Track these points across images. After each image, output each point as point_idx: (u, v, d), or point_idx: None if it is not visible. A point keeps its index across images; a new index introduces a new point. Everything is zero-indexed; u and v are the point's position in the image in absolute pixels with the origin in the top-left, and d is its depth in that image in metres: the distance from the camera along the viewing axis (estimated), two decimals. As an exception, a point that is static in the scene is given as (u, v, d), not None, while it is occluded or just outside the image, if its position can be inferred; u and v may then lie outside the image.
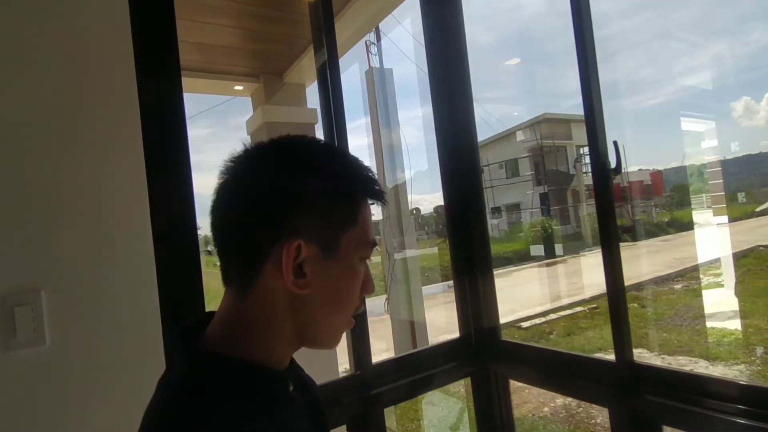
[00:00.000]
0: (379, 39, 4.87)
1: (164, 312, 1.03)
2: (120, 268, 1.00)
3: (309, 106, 3.06)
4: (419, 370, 1.51)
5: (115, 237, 1.00)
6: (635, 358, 1.22)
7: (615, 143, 1.16)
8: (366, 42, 5.02)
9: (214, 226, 0.52)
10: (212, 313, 0.54)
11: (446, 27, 1.69)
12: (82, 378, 0.94)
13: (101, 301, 0.97)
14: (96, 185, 0.99)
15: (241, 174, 0.51)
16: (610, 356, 1.25)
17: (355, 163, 0.54)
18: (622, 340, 1.22)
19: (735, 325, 4.93)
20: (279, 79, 2.92)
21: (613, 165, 1.16)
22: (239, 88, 2.96)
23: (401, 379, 1.45)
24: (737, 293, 6.16)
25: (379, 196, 0.55)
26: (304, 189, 0.49)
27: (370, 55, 4.96)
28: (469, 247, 1.67)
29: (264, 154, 0.53)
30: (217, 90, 3.03)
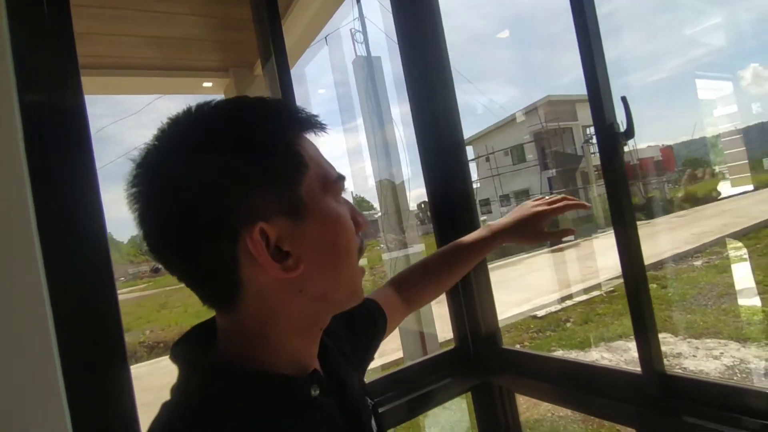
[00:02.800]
0: (364, 26, 4.63)
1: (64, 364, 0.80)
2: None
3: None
4: (412, 388, 1.29)
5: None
6: (665, 363, 0.98)
7: (624, 99, 0.91)
8: (351, 30, 4.79)
9: (156, 252, 0.44)
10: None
11: (420, 13, 1.45)
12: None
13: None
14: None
15: (157, 187, 0.43)
16: (636, 368, 1.01)
17: (268, 106, 0.46)
18: (648, 346, 0.98)
19: (764, 301, 4.62)
20: (250, 73, 2.69)
21: (623, 128, 0.91)
22: (208, 84, 2.74)
23: (394, 400, 1.23)
24: (762, 266, 5.83)
25: (309, 125, 0.47)
26: (232, 167, 0.41)
27: (356, 43, 4.73)
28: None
29: (168, 156, 0.43)
30: (182, 89, 2.82)
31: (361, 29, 4.73)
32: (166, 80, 2.63)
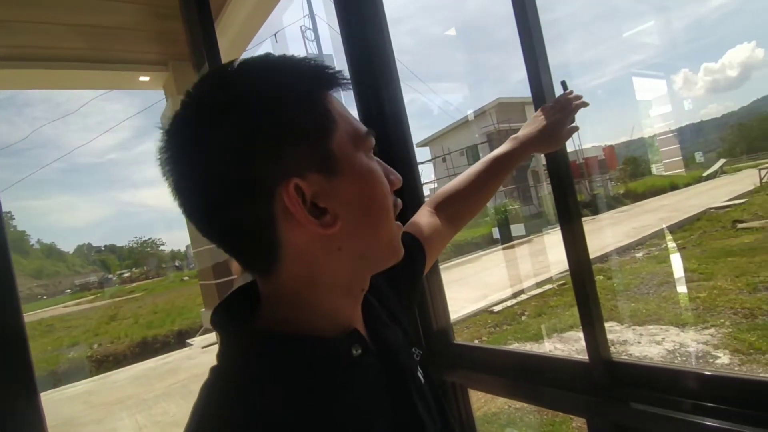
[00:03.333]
0: (314, 23, 4.56)
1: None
2: None
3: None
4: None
5: None
6: (611, 352, 0.98)
7: (563, 84, 0.91)
8: (301, 28, 4.70)
9: (194, 220, 0.45)
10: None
11: (364, 11, 1.40)
12: None
13: None
14: None
15: (188, 152, 0.43)
16: (584, 357, 1.01)
17: (294, 63, 0.45)
18: (594, 335, 0.98)
19: (699, 288, 4.94)
20: (190, 66, 2.55)
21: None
22: (145, 79, 2.57)
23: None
24: (696, 256, 6.25)
25: (335, 81, 0.46)
26: (262, 125, 0.41)
27: (306, 41, 4.64)
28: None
29: (197, 119, 0.43)
30: (116, 83, 2.62)
31: (311, 27, 4.65)
32: (99, 74, 2.43)
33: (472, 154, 18.60)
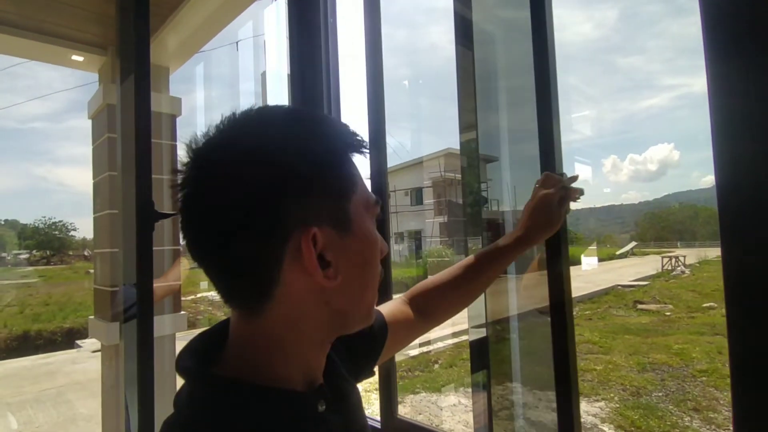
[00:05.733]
0: (280, 38, 4.52)
1: None
2: None
3: (172, 94, 2.56)
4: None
5: None
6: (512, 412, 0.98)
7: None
8: (264, 41, 4.64)
9: (194, 242, 0.44)
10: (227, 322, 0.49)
11: (315, 39, 1.41)
12: None
13: None
14: None
15: (215, 177, 0.43)
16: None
17: (330, 123, 0.49)
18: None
19: (597, 361, 5.27)
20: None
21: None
22: (78, 58, 2.38)
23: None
24: (599, 328, 6.71)
25: (359, 146, 0.49)
26: (297, 170, 0.42)
27: (264, 56, 4.58)
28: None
29: (231, 148, 0.44)
30: (45, 56, 2.41)
31: (273, 41, 4.61)
32: (27, 43, 2.22)
33: (416, 195, 19.09)
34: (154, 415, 0.97)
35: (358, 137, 0.49)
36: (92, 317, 2.42)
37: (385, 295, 1.15)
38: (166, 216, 1.03)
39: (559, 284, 0.86)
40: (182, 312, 2.51)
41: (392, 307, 0.78)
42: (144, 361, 0.97)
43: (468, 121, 1.07)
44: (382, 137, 1.06)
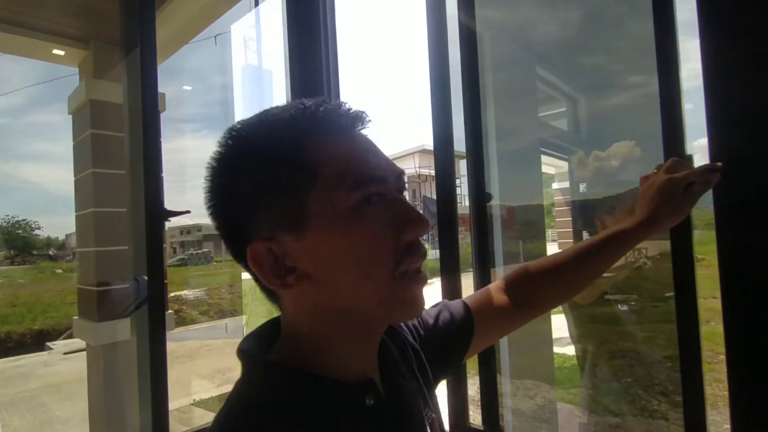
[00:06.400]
0: (259, 35, 4.48)
1: None
2: None
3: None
4: None
5: None
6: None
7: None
8: (244, 36, 4.59)
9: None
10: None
11: (314, 34, 1.44)
12: None
13: None
14: None
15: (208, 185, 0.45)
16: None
17: (295, 110, 0.43)
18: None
19: (570, 349, 5.46)
20: (117, 50, 2.36)
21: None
22: (59, 53, 2.32)
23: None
24: (572, 318, 6.93)
25: (346, 120, 0.44)
26: (239, 181, 0.43)
27: (247, 51, 4.54)
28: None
29: (214, 159, 0.45)
30: (25, 50, 2.34)
31: (255, 38, 4.57)
32: (6, 36, 2.15)
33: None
34: (167, 406, 1.01)
35: (342, 110, 0.44)
36: (77, 318, 2.38)
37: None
38: (174, 214, 1.05)
39: (687, 272, 0.81)
40: (169, 311, 2.50)
41: (482, 295, 0.71)
42: (156, 354, 1.00)
43: (442, 118, 1.13)
44: (449, 141, 1.09)
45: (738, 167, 0.65)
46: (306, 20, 1.44)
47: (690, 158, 0.77)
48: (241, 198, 0.43)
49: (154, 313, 1.01)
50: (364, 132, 0.47)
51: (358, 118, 0.45)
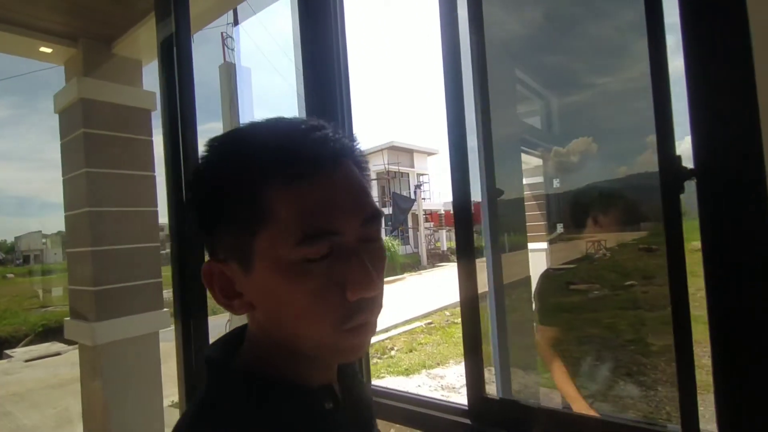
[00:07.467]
0: (237, 33, 4.44)
1: None
2: None
3: (146, 88, 2.51)
4: None
5: None
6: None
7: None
8: (222, 34, 4.53)
9: None
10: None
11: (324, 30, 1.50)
12: None
13: None
14: None
15: None
16: (453, 392, 1.20)
17: (259, 138, 0.43)
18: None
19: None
20: (106, 48, 2.32)
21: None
22: (46, 50, 2.26)
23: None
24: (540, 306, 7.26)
25: (289, 176, 0.40)
26: (206, 205, 0.43)
27: (226, 48, 4.48)
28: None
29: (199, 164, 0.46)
30: (12, 48, 2.26)
31: (233, 35, 4.52)
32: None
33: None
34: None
35: (285, 161, 0.40)
36: (68, 319, 2.33)
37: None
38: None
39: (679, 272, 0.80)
40: (164, 309, 2.50)
41: None
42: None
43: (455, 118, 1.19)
44: (463, 153, 1.11)
45: (720, 164, 0.72)
46: (318, 22, 1.49)
47: (679, 158, 0.80)
48: (203, 217, 0.45)
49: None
50: (348, 163, 0.44)
51: (337, 155, 0.42)
